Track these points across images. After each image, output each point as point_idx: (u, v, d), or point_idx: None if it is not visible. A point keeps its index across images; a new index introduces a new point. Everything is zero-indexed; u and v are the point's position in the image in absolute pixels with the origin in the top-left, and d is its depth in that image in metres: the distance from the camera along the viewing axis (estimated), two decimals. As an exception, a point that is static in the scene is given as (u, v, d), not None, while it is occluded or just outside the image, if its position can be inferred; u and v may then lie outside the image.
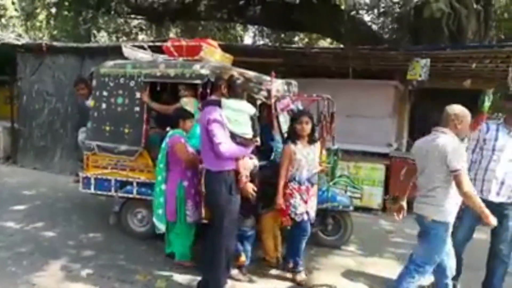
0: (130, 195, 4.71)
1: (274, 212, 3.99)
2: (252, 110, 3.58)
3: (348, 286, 3.93)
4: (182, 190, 4.01)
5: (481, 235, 5.59)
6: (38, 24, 16.77)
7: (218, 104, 3.45)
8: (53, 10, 13.30)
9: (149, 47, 5.53)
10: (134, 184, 4.68)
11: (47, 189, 6.92)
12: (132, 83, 4.63)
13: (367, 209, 6.52)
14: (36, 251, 4.32)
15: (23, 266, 3.95)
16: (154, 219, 4.14)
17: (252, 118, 3.55)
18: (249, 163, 3.59)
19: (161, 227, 4.12)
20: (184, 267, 4.07)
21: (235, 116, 3.44)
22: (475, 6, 7.67)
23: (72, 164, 7.71)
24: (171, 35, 14.09)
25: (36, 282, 3.66)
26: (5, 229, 4.94)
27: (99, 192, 4.87)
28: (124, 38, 14.31)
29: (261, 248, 4.20)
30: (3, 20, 17.95)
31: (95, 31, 15.17)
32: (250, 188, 3.53)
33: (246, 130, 3.50)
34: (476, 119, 8.71)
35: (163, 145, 4.09)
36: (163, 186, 4.06)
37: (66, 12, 12.70)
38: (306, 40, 15.52)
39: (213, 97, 3.72)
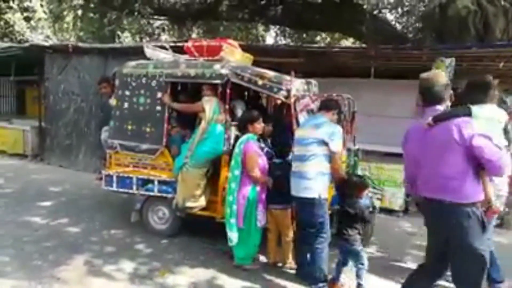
0: (151, 193, 4.78)
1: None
2: (504, 117, 3.21)
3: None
4: (255, 194, 3.98)
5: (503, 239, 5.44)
6: (65, 25, 17.28)
7: (469, 113, 2.70)
8: (80, 12, 13.66)
9: (171, 47, 5.61)
10: (155, 182, 4.75)
11: (72, 186, 7.11)
12: (153, 83, 4.71)
13: (388, 211, 6.42)
14: (60, 246, 4.44)
15: (48, 260, 4.08)
16: (227, 230, 3.98)
17: (505, 129, 3.15)
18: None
19: (234, 238, 3.95)
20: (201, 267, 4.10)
21: (487, 127, 2.81)
22: (503, 3, 7.43)
23: (96, 162, 7.90)
24: (193, 35, 14.25)
25: (60, 276, 3.76)
26: (32, 224, 5.10)
27: (121, 190, 4.97)
28: (147, 39, 14.56)
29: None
30: (32, 22, 18.57)
31: (119, 32, 15.53)
32: None
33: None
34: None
35: (237, 150, 3.99)
36: (236, 194, 3.96)
37: (91, 14, 13.05)
38: (328, 39, 15.39)
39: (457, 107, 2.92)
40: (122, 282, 3.74)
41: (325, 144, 3.54)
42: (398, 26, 12.46)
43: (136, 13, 10.09)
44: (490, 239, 3.25)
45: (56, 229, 4.96)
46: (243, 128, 4.14)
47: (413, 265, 4.22)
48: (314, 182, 3.55)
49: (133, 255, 4.30)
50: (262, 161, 4.05)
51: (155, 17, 12.60)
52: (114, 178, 4.93)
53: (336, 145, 3.57)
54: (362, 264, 3.66)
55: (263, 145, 4.56)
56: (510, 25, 7.68)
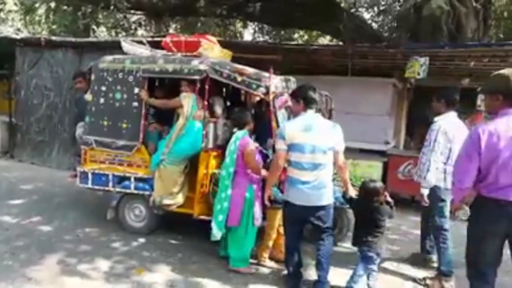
0: (128, 190, 4.71)
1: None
2: None
3: (343, 282, 3.93)
4: (252, 193, 3.94)
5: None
6: (37, 18, 16.72)
7: None
8: (53, 5, 13.25)
9: (148, 42, 5.54)
10: (132, 179, 4.67)
11: (45, 184, 6.92)
12: (130, 78, 4.63)
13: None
14: (32, 245, 4.31)
15: (19, 260, 3.95)
16: (213, 225, 3.94)
17: None
18: None
19: (218, 234, 3.92)
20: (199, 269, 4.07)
21: None
22: (474, 4, 7.66)
23: (70, 159, 7.72)
24: (171, 30, 14.07)
25: (32, 276, 3.66)
26: (2, 223, 4.93)
27: (96, 187, 4.86)
28: (123, 34, 14.27)
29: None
30: (2, 14, 17.90)
31: (94, 26, 15.15)
32: None
33: None
34: (473, 117, 8.77)
35: (233, 147, 3.92)
36: (229, 191, 3.90)
37: (65, 7, 12.68)
38: (306, 37, 15.49)
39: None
40: (97, 281, 3.67)
41: (332, 148, 3.42)
42: (374, 25, 12.67)
43: (112, 7, 9.87)
44: None
45: (28, 228, 4.82)
46: (242, 125, 4.06)
47: (385, 258, 4.30)
48: (330, 187, 3.46)
49: (109, 254, 4.22)
50: (259, 157, 4.03)
51: (132, 11, 12.37)
52: (89, 175, 4.82)
53: (343, 145, 3.47)
54: (374, 270, 3.61)
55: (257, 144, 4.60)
56: (481, 25, 7.93)
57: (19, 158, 8.80)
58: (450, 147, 3.84)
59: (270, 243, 4.16)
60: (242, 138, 3.96)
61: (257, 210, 3.97)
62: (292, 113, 3.92)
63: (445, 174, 3.88)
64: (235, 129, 4.12)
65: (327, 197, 3.40)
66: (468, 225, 2.94)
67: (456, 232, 5.64)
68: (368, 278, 3.61)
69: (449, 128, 3.87)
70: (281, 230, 4.04)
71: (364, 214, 3.59)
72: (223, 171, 4.02)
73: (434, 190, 3.91)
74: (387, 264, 4.34)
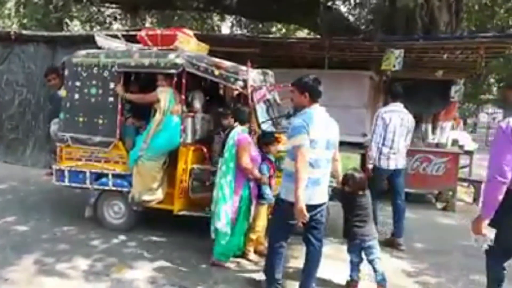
0: (106, 187, 4.64)
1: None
2: None
3: (324, 272, 3.98)
4: (247, 190, 3.93)
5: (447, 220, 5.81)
6: (6, 12, 16.14)
7: None
8: (23, -2, 12.82)
9: (123, 36, 5.43)
10: (110, 176, 4.61)
11: (19, 182, 6.74)
12: (105, 73, 4.55)
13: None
14: (7, 245, 4.20)
15: (-6, 261, 3.86)
16: (214, 221, 3.91)
17: None
18: None
19: (223, 228, 3.88)
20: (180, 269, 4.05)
21: None
22: (446, -3, 7.85)
23: (45, 156, 7.53)
24: (147, 24, 13.84)
25: (8, 277, 3.57)
26: (-25, 224, 4.79)
27: (73, 185, 4.79)
28: (98, 28, 13.94)
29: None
30: (-32, 7, 17.20)
31: (67, 20, 14.70)
32: None
33: None
34: (448, 108, 9.00)
35: (231, 142, 3.86)
36: (233, 186, 3.87)
37: (36, 0, 12.28)
38: (284, 30, 15.50)
39: None
40: (76, 280, 3.61)
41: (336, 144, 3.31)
42: (351, 18, 12.79)
43: (85, 0, 9.62)
44: None
45: (3, 228, 4.69)
46: (243, 121, 4.02)
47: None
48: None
49: (88, 252, 4.15)
50: (255, 152, 3.98)
51: (106, 5, 12.09)
52: (66, 173, 4.74)
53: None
54: (378, 257, 3.62)
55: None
56: (453, 18, 8.12)
57: (-9, 157, 8.53)
58: (386, 130, 4.62)
59: (255, 237, 4.17)
60: (240, 133, 3.93)
61: (253, 208, 3.98)
62: (294, 106, 3.72)
63: (380, 155, 4.66)
64: (235, 124, 4.06)
65: (326, 194, 3.30)
66: (503, 218, 2.88)
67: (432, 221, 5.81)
68: (376, 269, 3.58)
69: (386, 115, 4.66)
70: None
71: (354, 205, 3.60)
72: (223, 167, 3.93)
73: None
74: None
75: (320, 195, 3.19)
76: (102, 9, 13.28)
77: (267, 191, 4.03)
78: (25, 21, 15.91)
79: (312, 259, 3.35)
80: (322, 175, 3.17)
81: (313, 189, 3.11)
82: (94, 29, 13.82)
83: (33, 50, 8.09)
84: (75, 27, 16.15)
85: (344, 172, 3.66)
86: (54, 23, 13.51)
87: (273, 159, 4.19)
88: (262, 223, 4.16)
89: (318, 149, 3.08)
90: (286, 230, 3.32)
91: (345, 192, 3.64)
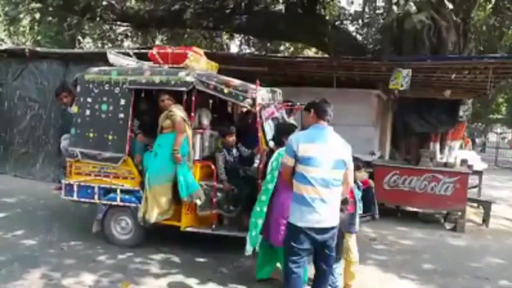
0: (114, 203, 4.67)
1: None
2: None
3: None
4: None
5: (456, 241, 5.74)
6: (21, 29, 16.56)
7: None
8: (37, 16, 13.15)
9: (135, 54, 5.55)
10: (118, 191, 4.64)
11: (28, 196, 6.80)
12: (117, 90, 4.63)
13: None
14: (15, 259, 4.22)
15: (1, 275, 3.86)
16: (248, 240, 3.79)
17: None
18: None
19: (250, 249, 3.79)
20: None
21: None
22: (454, 18, 7.89)
23: (55, 171, 7.61)
24: (157, 42, 14.07)
25: (14, 292, 3.59)
26: (-16, 237, 4.83)
27: (82, 200, 4.83)
28: (110, 45, 14.23)
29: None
30: (-16, 24, 17.68)
31: (80, 37, 15.08)
32: None
33: None
34: (456, 127, 8.97)
35: (275, 164, 3.69)
36: (265, 209, 3.71)
37: (50, 18, 12.60)
38: (292, 49, 15.68)
39: None
40: (82, 295, 3.62)
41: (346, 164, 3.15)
42: (359, 37, 12.91)
43: (98, 19, 9.85)
44: None
45: (11, 242, 4.72)
46: (279, 142, 3.94)
47: (372, 269, 4.35)
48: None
49: (94, 267, 4.15)
50: None
51: (118, 23, 12.34)
52: (75, 187, 4.78)
53: (352, 164, 3.26)
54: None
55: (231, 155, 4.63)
56: (461, 39, 8.17)
57: (2, 171, 8.62)
58: None
59: (355, 269, 3.95)
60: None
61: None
62: (304, 126, 3.72)
63: None
64: (273, 146, 4.03)
65: (337, 216, 3.14)
66: None
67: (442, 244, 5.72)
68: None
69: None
70: None
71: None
72: (263, 186, 3.86)
73: None
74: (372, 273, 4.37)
75: (329, 217, 3.04)
76: (114, 27, 13.55)
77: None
78: (39, 38, 16.34)
79: (320, 281, 3.25)
80: (330, 195, 3.01)
81: (317, 209, 2.97)
82: (106, 47, 14.12)
83: (46, 66, 8.27)
84: (87, 44, 16.50)
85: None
86: (67, 40, 13.85)
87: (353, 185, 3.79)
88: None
89: (318, 167, 2.98)
90: (294, 254, 3.10)
91: None
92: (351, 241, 3.87)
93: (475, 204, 7.78)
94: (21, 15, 13.49)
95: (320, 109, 3.16)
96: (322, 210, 2.99)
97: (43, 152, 8.28)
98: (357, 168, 3.88)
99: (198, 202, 4.39)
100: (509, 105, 20.63)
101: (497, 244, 5.89)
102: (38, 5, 11.42)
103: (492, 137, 28.01)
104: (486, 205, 7.09)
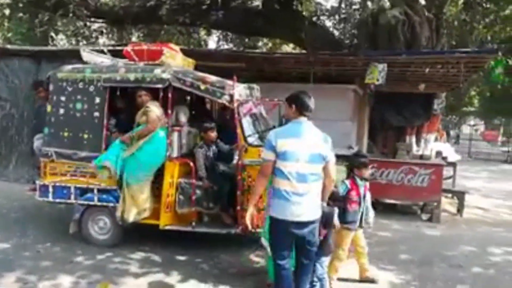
0: (91, 202, 4.59)
1: None
2: None
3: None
4: None
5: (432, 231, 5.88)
6: (-10, 26, 16.01)
7: None
8: (7, 12, 12.75)
9: (110, 51, 5.45)
10: (95, 191, 4.56)
11: (1, 198, 6.58)
12: (91, 88, 4.54)
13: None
14: (-12, 264, 4.11)
15: (-26, 280, 3.76)
16: (264, 241, 3.58)
17: None
18: None
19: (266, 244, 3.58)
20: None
21: None
22: (427, 14, 8.06)
23: (28, 172, 7.42)
24: (134, 39, 13.85)
25: (-12, 296, 3.50)
26: (-46, 242, 4.67)
27: (57, 200, 4.72)
28: (84, 42, 13.91)
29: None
30: (-49, 21, 17.01)
31: (53, 34, 14.68)
32: None
33: None
34: (431, 120, 9.19)
35: None
36: None
37: (21, 14, 12.24)
38: (270, 45, 15.70)
39: None
40: (59, 297, 3.55)
41: (326, 159, 3.14)
42: (336, 33, 13.04)
43: (71, 15, 9.62)
44: None
45: (-16, 246, 4.59)
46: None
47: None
48: (320, 200, 3.22)
49: (72, 269, 4.08)
50: None
51: (92, 19, 12.08)
52: (50, 188, 4.66)
53: (333, 157, 3.23)
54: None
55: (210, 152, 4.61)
56: (434, 34, 8.35)
57: (-27, 173, 8.35)
58: None
59: (339, 265, 3.98)
60: None
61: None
62: (285, 119, 3.77)
63: None
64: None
65: (318, 210, 3.14)
66: None
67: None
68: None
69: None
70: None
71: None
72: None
73: None
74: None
75: (307, 211, 3.04)
76: (88, 24, 13.26)
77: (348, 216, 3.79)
78: (9, 35, 15.82)
79: (302, 274, 3.25)
80: (303, 189, 3.02)
81: (286, 202, 3.01)
82: (81, 44, 13.79)
83: (17, 64, 8.03)
84: (61, 41, 16.08)
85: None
86: (39, 37, 13.46)
87: (360, 183, 3.92)
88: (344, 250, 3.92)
89: (294, 162, 3.00)
90: (277, 247, 3.17)
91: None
92: (346, 237, 3.87)
93: (450, 195, 8.01)
94: (-10, 12, 13.08)
95: (301, 104, 3.16)
96: (300, 205, 3.01)
97: (16, 153, 8.05)
98: (363, 165, 3.95)
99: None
100: (481, 98, 21.23)
101: (471, 232, 6.09)
102: (8, 0, 11.08)
103: (465, 129, 28.81)
104: (460, 196, 7.31)
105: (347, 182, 3.92)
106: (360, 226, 3.94)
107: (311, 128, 3.16)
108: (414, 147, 8.64)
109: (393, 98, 8.42)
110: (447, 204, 7.78)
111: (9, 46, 8.70)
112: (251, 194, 3.14)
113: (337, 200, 3.60)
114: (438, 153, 8.18)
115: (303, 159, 3.02)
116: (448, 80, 7.56)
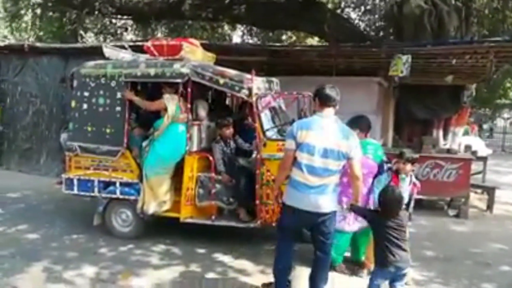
0: (114, 195, 4.70)
1: None
2: None
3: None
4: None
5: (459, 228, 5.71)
6: (23, 25, 16.58)
7: None
8: (38, 11, 13.16)
9: (132, 47, 5.54)
10: (117, 184, 4.67)
11: (32, 191, 6.87)
12: (113, 83, 4.63)
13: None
14: (17, 253, 4.28)
15: (3, 269, 3.91)
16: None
17: None
18: None
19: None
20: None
21: None
22: (454, 2, 7.76)
23: (58, 166, 7.66)
24: (159, 34, 14.02)
25: (16, 285, 3.63)
26: (-13, 232, 4.90)
27: (82, 193, 4.85)
28: (111, 38, 14.20)
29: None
30: (-13, 21, 17.74)
31: (81, 32, 15.06)
32: None
33: None
34: (460, 113, 8.88)
35: None
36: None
37: (51, 13, 12.60)
38: (294, 38, 15.54)
39: None
40: (82, 287, 3.66)
41: (347, 156, 3.09)
42: (362, 25, 12.76)
43: (96, 12, 9.83)
44: None
45: (13, 237, 4.78)
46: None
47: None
48: (336, 194, 3.24)
49: (96, 260, 4.20)
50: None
51: (118, 16, 12.31)
52: (75, 181, 4.81)
53: (359, 153, 3.19)
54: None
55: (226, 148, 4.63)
56: (463, 23, 8.03)
57: (7, 166, 8.73)
58: None
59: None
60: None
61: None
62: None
63: None
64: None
65: (331, 203, 3.14)
66: None
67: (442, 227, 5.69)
68: None
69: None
70: None
71: (389, 228, 3.10)
72: None
73: None
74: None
75: (318, 203, 3.06)
76: (114, 21, 13.52)
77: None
78: (41, 33, 16.36)
79: (317, 269, 3.29)
80: (318, 182, 3.03)
81: (301, 193, 3.06)
82: (107, 40, 14.08)
83: (46, 62, 8.30)
84: (89, 39, 16.48)
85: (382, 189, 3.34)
86: (69, 35, 13.85)
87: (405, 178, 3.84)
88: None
89: (309, 155, 3.02)
90: (282, 231, 3.33)
91: (379, 214, 3.23)
92: None
93: (479, 190, 7.74)
94: (22, 11, 13.53)
95: (322, 97, 3.16)
96: (311, 196, 3.05)
97: (47, 147, 8.35)
98: (403, 160, 3.84)
99: None
100: (516, 89, 20.32)
101: (500, 229, 5.86)
102: (39, 0, 11.43)
103: (500, 122, 27.66)
104: (490, 191, 7.04)
105: (389, 172, 3.91)
106: None
107: (333, 123, 3.11)
108: (442, 141, 8.37)
109: (419, 90, 8.17)
110: (476, 199, 7.51)
111: (38, 44, 8.98)
112: (275, 179, 3.34)
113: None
114: (467, 147, 7.89)
115: (318, 153, 3.01)
116: (477, 71, 7.26)
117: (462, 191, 6.45)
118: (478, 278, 4.07)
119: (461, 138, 8.96)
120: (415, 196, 3.98)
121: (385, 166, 3.94)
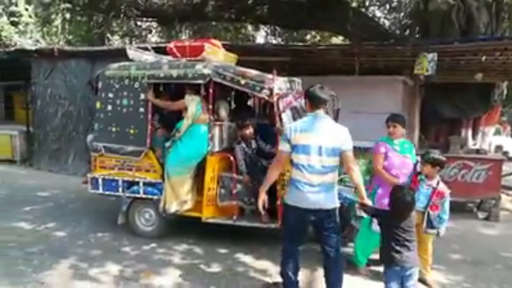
0: (137, 195, 4.78)
1: None
2: None
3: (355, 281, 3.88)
4: (374, 196, 3.79)
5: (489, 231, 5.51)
6: (54, 29, 17.16)
7: None
8: (68, 16, 13.57)
9: (155, 48, 5.61)
10: (141, 184, 4.74)
11: (60, 190, 7.08)
12: (136, 85, 4.70)
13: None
14: (46, 250, 4.42)
15: (32, 265, 4.05)
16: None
17: None
18: None
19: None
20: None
21: None
22: (484, -2, 7.50)
23: (85, 165, 7.86)
24: (183, 36, 14.20)
25: (44, 281, 3.75)
26: (17, 229, 5.07)
27: (107, 193, 4.95)
28: (137, 41, 14.49)
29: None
30: (20, 26, 18.45)
31: (109, 35, 15.46)
32: None
33: None
34: (490, 112, 8.56)
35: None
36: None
37: (79, 17, 12.98)
38: (318, 38, 15.39)
39: None
40: (106, 284, 3.74)
41: (341, 149, 3.18)
42: (387, 23, 12.51)
43: (122, 15, 10.05)
44: None
45: (42, 234, 4.94)
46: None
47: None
48: (336, 191, 3.31)
49: (119, 258, 4.29)
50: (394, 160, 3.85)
51: (143, 19, 12.55)
52: (100, 181, 4.91)
53: (351, 144, 3.23)
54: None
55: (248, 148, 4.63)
56: (493, 19, 7.73)
57: (37, 166, 9.04)
58: None
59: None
60: (376, 143, 4.02)
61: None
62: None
63: None
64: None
65: (332, 200, 3.23)
66: None
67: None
68: None
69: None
70: None
71: (397, 229, 3.07)
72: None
73: None
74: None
75: (319, 200, 3.15)
76: (139, 23, 13.79)
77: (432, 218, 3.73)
78: (70, 37, 16.88)
79: (329, 267, 3.33)
80: (317, 181, 3.14)
81: (301, 192, 3.16)
82: (133, 42, 14.37)
83: (74, 64, 8.54)
84: (116, 41, 16.88)
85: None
86: (96, 38, 14.24)
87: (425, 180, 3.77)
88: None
89: (302, 155, 3.14)
90: (287, 230, 3.38)
91: (387, 212, 3.22)
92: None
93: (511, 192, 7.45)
94: (52, 16, 13.99)
95: (312, 98, 3.27)
96: (311, 194, 3.15)
97: (74, 148, 8.60)
98: (423, 161, 3.75)
99: None
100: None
101: (533, 233, 5.62)
102: (68, 5, 11.78)
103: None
104: (522, 193, 6.77)
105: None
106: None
107: (325, 122, 3.25)
108: (470, 141, 8.10)
109: (447, 88, 7.94)
110: (508, 202, 7.23)
111: (67, 48, 9.26)
112: (264, 181, 3.40)
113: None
114: (498, 148, 7.63)
115: (314, 152, 3.13)
116: (509, 68, 6.99)
117: (492, 192, 6.23)
118: (509, 283, 3.92)
119: (492, 138, 8.67)
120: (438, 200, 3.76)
121: (418, 167, 3.90)
